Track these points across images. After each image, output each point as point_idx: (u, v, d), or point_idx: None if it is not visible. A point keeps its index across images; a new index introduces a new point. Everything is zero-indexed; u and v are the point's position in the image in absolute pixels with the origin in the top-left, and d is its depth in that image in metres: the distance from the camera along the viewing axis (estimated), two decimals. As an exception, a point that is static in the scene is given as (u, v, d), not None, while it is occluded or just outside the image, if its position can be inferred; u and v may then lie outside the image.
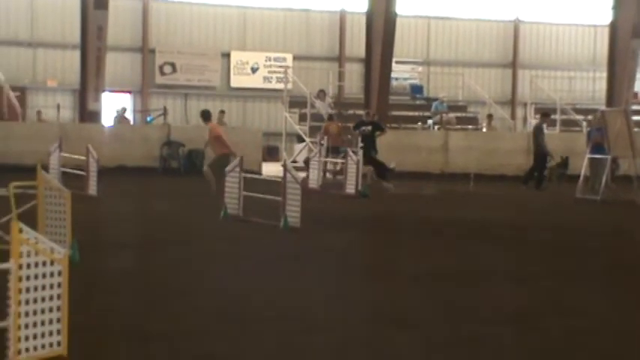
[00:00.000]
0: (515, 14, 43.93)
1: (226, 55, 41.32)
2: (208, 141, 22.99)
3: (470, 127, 37.07)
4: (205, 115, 22.96)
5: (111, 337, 9.00)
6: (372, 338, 9.53)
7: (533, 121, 32.54)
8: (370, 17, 33.58)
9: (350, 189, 24.53)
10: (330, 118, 30.47)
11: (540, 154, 28.27)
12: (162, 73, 40.64)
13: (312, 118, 32.66)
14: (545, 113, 30.87)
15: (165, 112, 34.45)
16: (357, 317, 10.41)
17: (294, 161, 30.02)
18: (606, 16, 34.34)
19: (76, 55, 32.80)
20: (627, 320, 10.51)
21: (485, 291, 12.08)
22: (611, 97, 32.47)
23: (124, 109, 34.40)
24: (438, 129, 35.22)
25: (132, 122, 36.28)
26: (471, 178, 26.92)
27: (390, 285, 12.28)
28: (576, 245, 16.77)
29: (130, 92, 39.90)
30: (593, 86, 37.39)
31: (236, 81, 41.51)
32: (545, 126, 30.00)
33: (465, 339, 9.34)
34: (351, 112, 34.43)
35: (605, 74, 34.37)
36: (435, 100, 38.02)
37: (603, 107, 30.75)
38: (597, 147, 25.94)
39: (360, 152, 26.15)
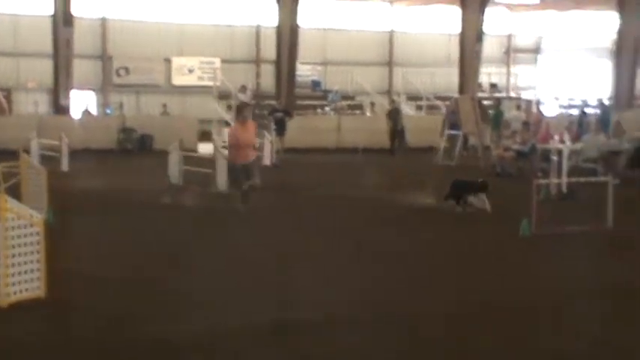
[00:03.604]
0: (390, 26, 44.19)
1: (168, 60, 40.89)
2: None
3: (357, 112, 37.37)
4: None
5: (79, 281, 9.01)
6: (278, 268, 9.72)
7: (388, 105, 32.79)
8: (279, 29, 33.62)
9: (266, 161, 24.65)
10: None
11: (400, 130, 28.98)
12: (119, 75, 39.98)
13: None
14: (393, 100, 31.91)
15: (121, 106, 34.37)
16: (270, 255, 10.59)
17: (224, 141, 29.89)
18: (457, 27, 34.77)
19: (50, 62, 32.27)
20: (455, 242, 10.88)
21: (369, 235, 12.34)
22: (462, 87, 32.95)
23: (87, 106, 34.43)
24: (333, 114, 35.54)
25: (94, 115, 36.18)
26: (359, 151, 27.15)
27: (299, 233, 12.48)
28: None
29: (93, 90, 39.25)
30: (448, 79, 37.83)
31: (177, 80, 41.08)
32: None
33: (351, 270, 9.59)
34: (266, 102, 34.45)
35: (457, 70, 34.82)
36: (331, 91, 38.34)
37: (456, 95, 31.20)
38: (453, 126, 26.41)
39: (274, 133, 26.37)
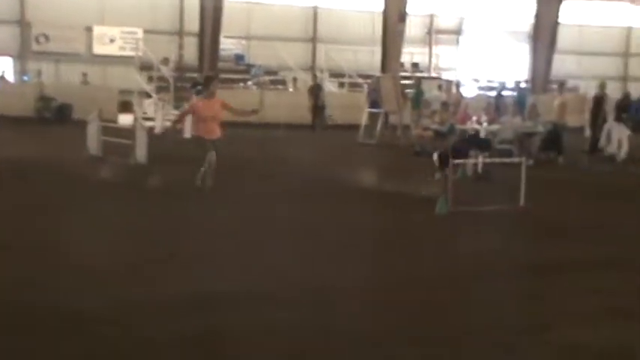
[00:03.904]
0: (314, 2, 44.10)
1: (90, 29, 40.07)
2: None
3: (280, 87, 37.34)
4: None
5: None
6: (198, 243, 9.75)
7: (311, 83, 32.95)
8: (203, 2, 33.38)
9: (187, 134, 24.52)
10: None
11: (320, 106, 29.16)
12: (38, 42, 39.03)
13: (158, 80, 32.35)
14: (315, 76, 32.02)
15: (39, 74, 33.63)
16: (191, 229, 10.59)
17: (145, 113, 29.58)
18: (380, 5, 34.86)
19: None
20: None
21: (291, 211, 12.40)
22: (384, 66, 33.08)
23: (4, 71, 33.61)
24: (256, 88, 35.42)
25: (11, 82, 35.38)
26: (281, 126, 27.12)
27: (221, 208, 12.48)
28: (360, 170, 17.29)
29: (10, 57, 38.27)
30: (371, 58, 37.91)
31: (98, 49, 40.29)
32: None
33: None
34: (188, 75, 34.12)
35: (380, 49, 34.97)
36: (254, 66, 38.19)
37: (379, 73, 31.41)
38: (374, 104, 26.60)
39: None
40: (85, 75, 34.63)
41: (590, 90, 25.44)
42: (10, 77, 36.12)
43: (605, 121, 21.74)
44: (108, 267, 8.39)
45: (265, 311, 7.08)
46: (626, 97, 22.79)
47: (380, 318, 7.05)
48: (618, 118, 21.63)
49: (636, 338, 6.66)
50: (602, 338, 6.61)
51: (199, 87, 27.41)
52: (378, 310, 7.28)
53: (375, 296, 7.76)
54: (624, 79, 44.88)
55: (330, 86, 35.17)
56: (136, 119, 17.72)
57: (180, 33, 41.25)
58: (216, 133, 13.31)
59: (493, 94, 30.17)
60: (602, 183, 17.16)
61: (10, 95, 29.68)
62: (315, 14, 44.41)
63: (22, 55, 38.60)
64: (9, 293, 7.28)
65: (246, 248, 9.58)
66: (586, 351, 6.33)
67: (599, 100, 22.10)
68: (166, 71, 32.78)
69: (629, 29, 47.53)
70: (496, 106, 25.17)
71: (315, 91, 29.93)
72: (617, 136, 21.45)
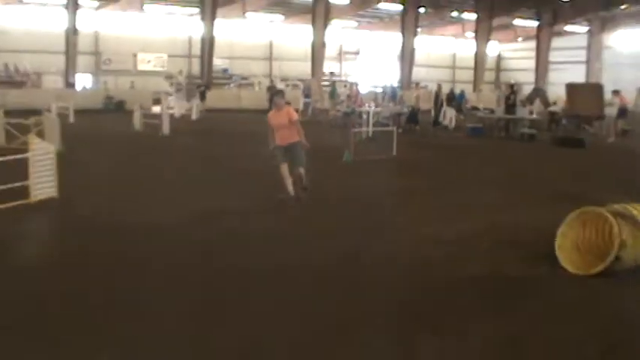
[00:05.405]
0: (270, 38, 42.96)
1: (135, 55, 38.71)
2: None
3: (250, 87, 36.68)
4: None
5: (77, 187, 8.64)
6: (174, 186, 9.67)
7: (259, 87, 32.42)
8: (203, 39, 32.32)
9: (194, 116, 24.20)
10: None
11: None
12: (105, 64, 37.41)
13: (176, 85, 31.47)
14: (272, 80, 31.44)
15: (105, 83, 32.32)
16: (184, 178, 10.46)
17: (168, 105, 28.77)
18: (310, 38, 34.12)
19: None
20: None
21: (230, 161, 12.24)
22: (313, 73, 32.85)
23: (84, 83, 32.43)
24: (235, 88, 34.91)
25: (89, 88, 34.02)
26: (249, 111, 26.69)
27: (209, 159, 12.29)
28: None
29: (90, 73, 36.62)
30: (305, 68, 37.23)
31: (140, 67, 39.08)
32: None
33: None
34: (195, 81, 33.17)
35: (310, 63, 34.52)
36: (234, 75, 37.60)
37: (309, 78, 31.29)
38: (306, 96, 26.42)
39: (199, 99, 25.69)
40: (132, 83, 33.73)
41: (433, 87, 25.57)
42: (89, 85, 34.97)
43: (442, 106, 22.04)
44: (155, 193, 8.28)
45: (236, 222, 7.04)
46: (451, 91, 23.14)
47: (288, 228, 6.81)
48: (449, 104, 21.98)
49: (453, 231, 6.87)
50: (440, 231, 6.79)
51: (202, 87, 27.11)
52: (291, 224, 7.07)
53: (293, 213, 7.64)
54: (453, 81, 45.41)
55: (280, 86, 34.68)
56: (162, 108, 17.32)
57: (189, 56, 40.18)
58: (290, 138, 8.61)
59: (379, 90, 30.11)
60: (440, 142, 17.44)
61: (88, 96, 28.84)
62: (271, 45, 43.70)
63: (95, 72, 37.41)
64: (95, 213, 7.17)
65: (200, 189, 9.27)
66: (432, 237, 6.55)
67: (437, 94, 22.40)
68: (181, 79, 32.04)
69: (454, 54, 48.46)
70: (383, 97, 25.13)
71: (271, 89, 29.43)
72: (449, 115, 21.80)
